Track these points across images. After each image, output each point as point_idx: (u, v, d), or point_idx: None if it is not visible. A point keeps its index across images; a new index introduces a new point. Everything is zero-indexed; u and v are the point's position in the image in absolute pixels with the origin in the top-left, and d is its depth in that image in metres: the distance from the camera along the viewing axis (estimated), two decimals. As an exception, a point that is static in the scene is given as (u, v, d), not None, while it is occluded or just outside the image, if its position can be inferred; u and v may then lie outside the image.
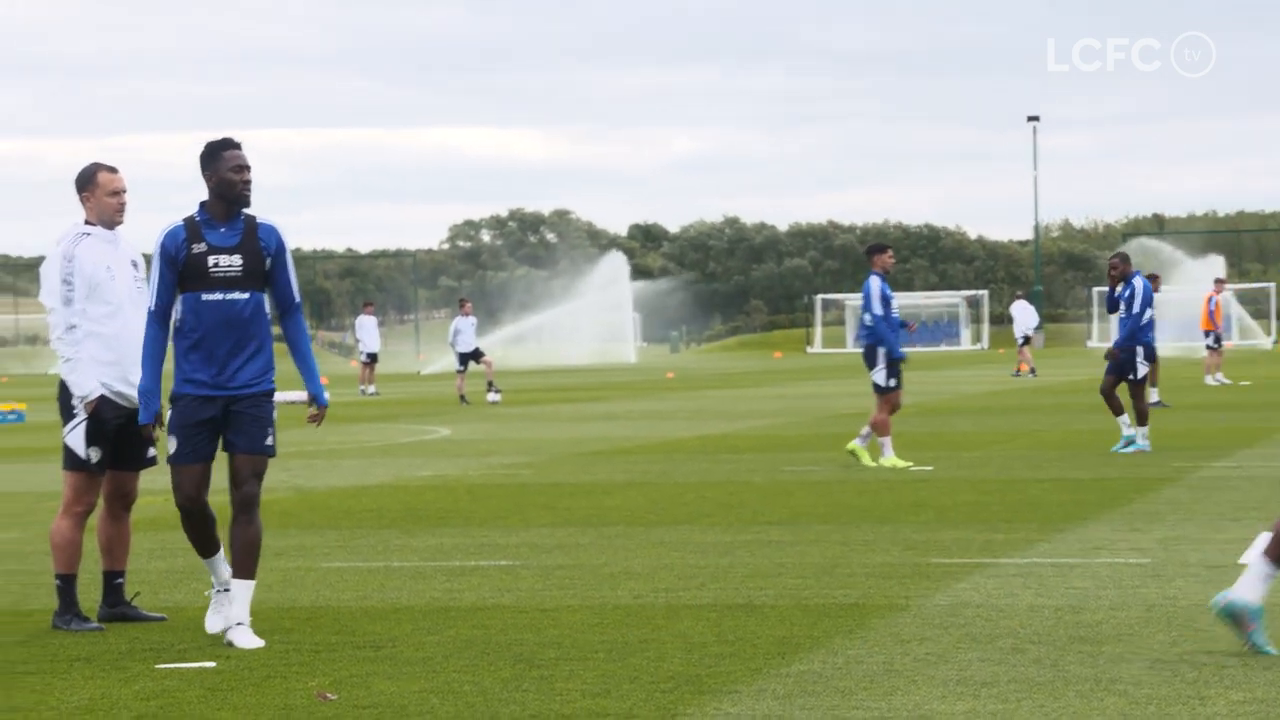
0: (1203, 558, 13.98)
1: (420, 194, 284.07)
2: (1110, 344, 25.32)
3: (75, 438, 11.60)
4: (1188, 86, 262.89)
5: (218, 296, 10.99)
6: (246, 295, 11.04)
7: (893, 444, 23.36)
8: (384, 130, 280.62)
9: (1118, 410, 25.13)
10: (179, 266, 10.94)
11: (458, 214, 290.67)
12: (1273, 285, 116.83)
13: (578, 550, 15.25)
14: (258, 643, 10.69)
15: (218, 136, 11.16)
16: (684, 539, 15.93)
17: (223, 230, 11.02)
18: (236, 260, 11.00)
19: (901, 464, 22.95)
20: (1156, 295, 38.46)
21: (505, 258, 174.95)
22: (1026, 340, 61.90)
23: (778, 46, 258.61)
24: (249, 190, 11.08)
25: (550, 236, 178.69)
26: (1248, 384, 48.60)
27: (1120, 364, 25.02)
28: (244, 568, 11.01)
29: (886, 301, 23.10)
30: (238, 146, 11.12)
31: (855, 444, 23.46)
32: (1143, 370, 24.98)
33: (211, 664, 10.22)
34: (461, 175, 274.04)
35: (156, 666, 10.20)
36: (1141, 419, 24.98)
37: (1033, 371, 60.13)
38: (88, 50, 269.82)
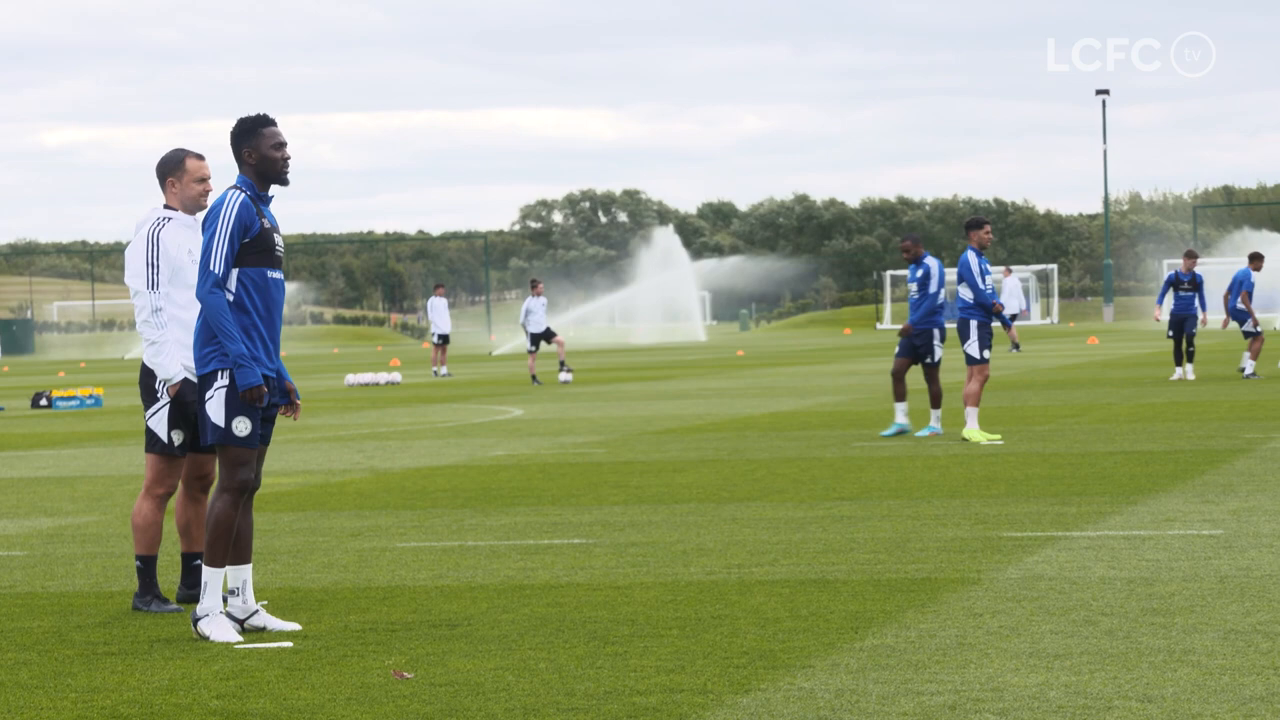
0: (1276, 529, 13.91)
1: (491, 175, 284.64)
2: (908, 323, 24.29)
3: (158, 421, 11.62)
4: (1258, 59, 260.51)
5: (279, 275, 10.86)
6: (281, 274, 10.90)
7: (977, 417, 23.39)
8: (455, 112, 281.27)
9: (900, 395, 24.25)
10: (248, 239, 10.65)
11: (529, 195, 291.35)
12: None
13: (650, 528, 15.27)
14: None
15: (252, 114, 10.85)
16: (756, 515, 15.93)
17: (267, 208, 10.85)
18: (280, 239, 10.91)
19: (981, 437, 22.89)
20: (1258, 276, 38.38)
21: (576, 238, 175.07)
22: (1014, 318, 62.54)
23: (844, 23, 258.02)
24: (289, 168, 10.87)
25: (621, 216, 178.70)
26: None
27: (914, 346, 24.11)
28: (247, 555, 10.87)
29: (981, 275, 23.24)
30: (274, 123, 10.87)
31: (969, 429, 23.26)
32: (939, 353, 24.06)
33: (289, 644, 10.27)
34: (532, 156, 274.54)
35: (235, 647, 10.25)
36: (935, 401, 24.16)
37: (1016, 346, 60.62)
38: (162, 37, 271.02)
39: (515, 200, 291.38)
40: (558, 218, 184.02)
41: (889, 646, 9.64)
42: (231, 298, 10.66)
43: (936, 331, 24.13)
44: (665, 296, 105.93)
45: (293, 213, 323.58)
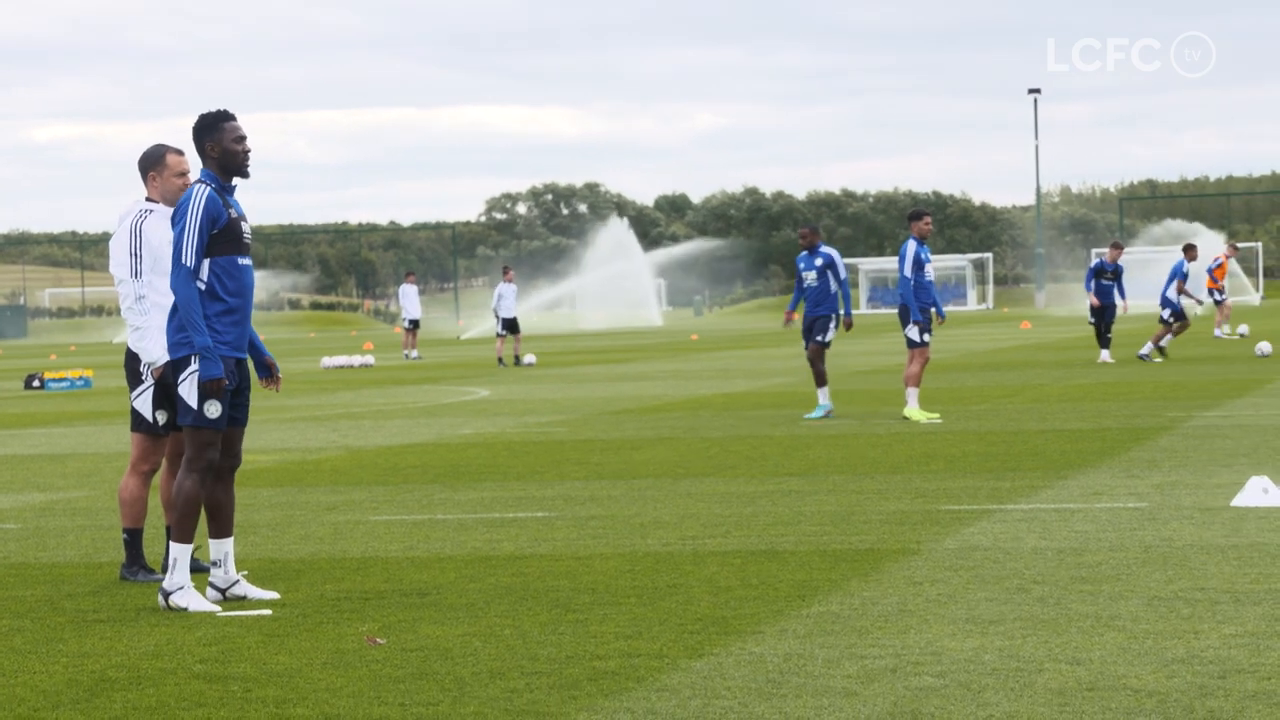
0: (1196, 501, 13.95)
1: (459, 169, 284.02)
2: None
3: (143, 402, 11.58)
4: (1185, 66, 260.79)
5: (248, 261, 10.76)
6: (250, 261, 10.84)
7: (918, 397, 23.43)
8: (425, 110, 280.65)
9: (821, 379, 24.00)
10: (217, 230, 10.55)
11: (494, 188, 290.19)
12: (1259, 245, 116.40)
13: (610, 502, 15.26)
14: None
15: (212, 109, 10.71)
16: (709, 490, 15.93)
17: (232, 199, 10.73)
18: (247, 228, 10.80)
19: (921, 416, 22.93)
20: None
21: (539, 228, 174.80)
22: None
23: (794, 27, 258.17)
24: (249, 160, 10.72)
25: (581, 208, 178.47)
26: (1245, 332, 48.54)
27: (810, 329, 23.87)
28: (228, 529, 10.83)
29: (920, 264, 23.17)
30: (234, 118, 10.73)
31: (909, 409, 23.25)
32: (831, 335, 23.81)
33: (268, 612, 10.25)
34: (497, 151, 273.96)
35: (217, 614, 10.23)
36: (821, 380, 23.97)
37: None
38: (149, 39, 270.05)
39: (482, 193, 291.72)
40: (522, 209, 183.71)
41: (834, 613, 9.65)
42: (203, 286, 10.57)
43: (834, 317, 23.89)
44: (620, 284, 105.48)
45: (270, 205, 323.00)
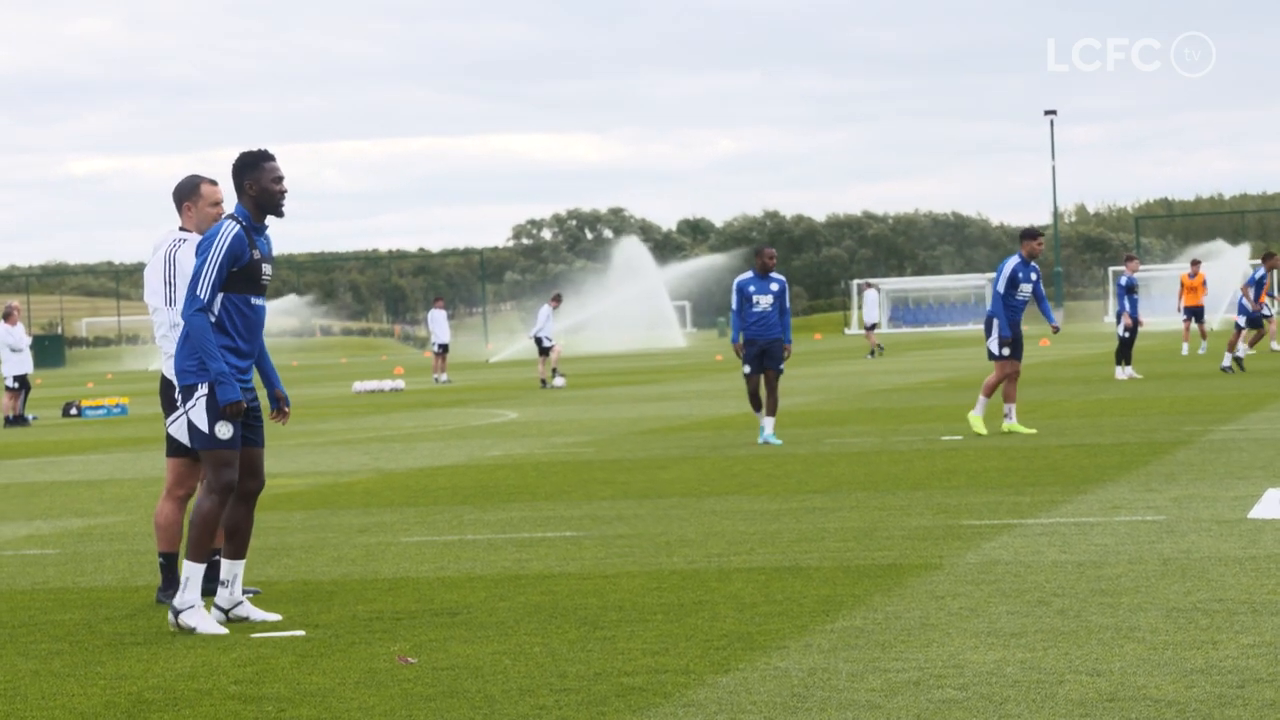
0: (1214, 514, 13.91)
1: (486, 196, 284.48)
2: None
3: (179, 427, 11.56)
4: (1191, 81, 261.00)
5: (261, 302, 10.83)
6: (264, 301, 10.92)
7: (985, 409, 23.40)
8: (452, 138, 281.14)
9: (759, 406, 23.28)
10: (236, 268, 10.62)
11: (521, 214, 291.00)
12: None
13: (636, 521, 15.25)
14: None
15: (254, 148, 10.82)
16: (734, 508, 15.91)
17: (261, 238, 10.80)
18: (270, 269, 10.86)
19: (981, 429, 22.86)
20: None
21: (565, 252, 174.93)
22: (874, 326, 64.04)
23: (811, 52, 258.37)
24: (285, 201, 10.79)
25: (606, 232, 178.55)
26: (1252, 352, 48.40)
27: (763, 355, 23.10)
28: (243, 551, 10.89)
29: (1014, 282, 23.15)
30: (274, 159, 10.81)
31: (1006, 423, 23.19)
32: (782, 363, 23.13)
33: (301, 632, 10.25)
34: (523, 178, 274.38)
35: (251, 636, 10.23)
36: (772, 409, 23.19)
37: (877, 350, 62.76)
38: (180, 73, 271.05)
39: (508, 219, 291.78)
40: (547, 234, 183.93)
41: (857, 628, 9.63)
42: (214, 319, 10.66)
43: (784, 345, 23.18)
44: (638, 305, 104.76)
45: (303, 233, 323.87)
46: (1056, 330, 24.79)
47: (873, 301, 65.93)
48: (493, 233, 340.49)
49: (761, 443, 23.09)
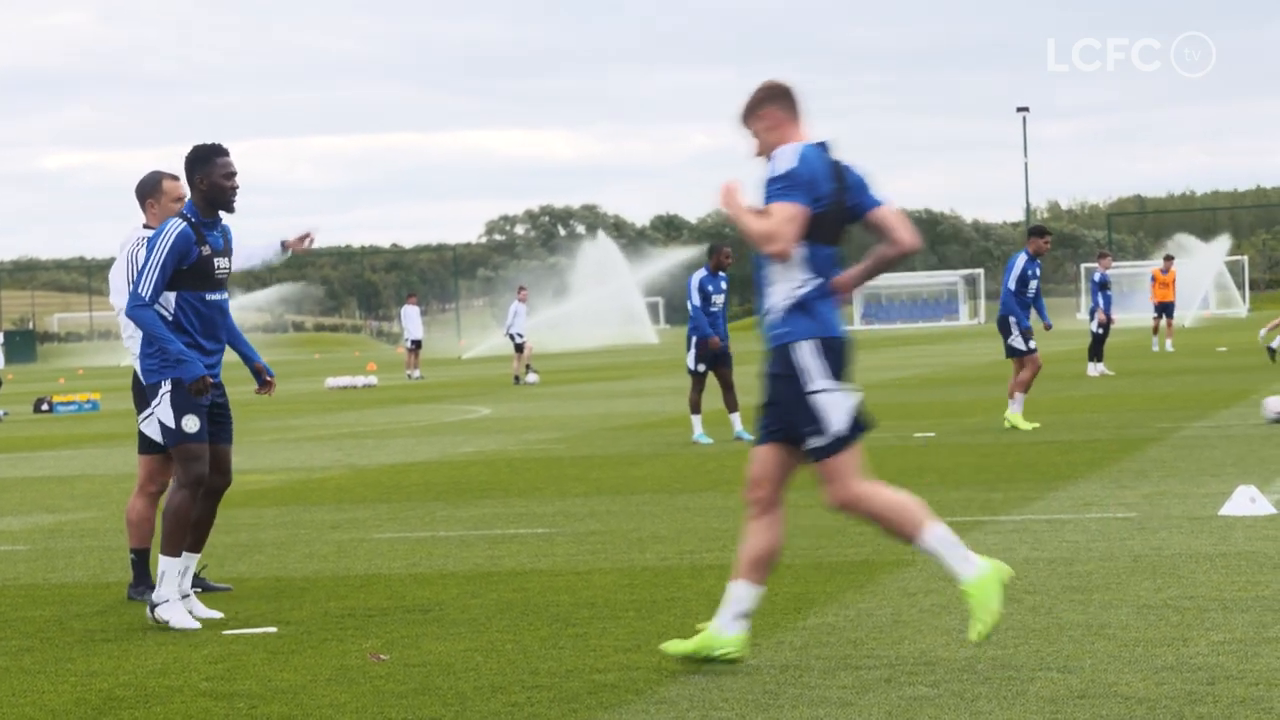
0: (1185, 510, 13.95)
1: (459, 192, 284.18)
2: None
3: (150, 425, 11.54)
4: (1162, 78, 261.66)
5: (218, 296, 10.81)
6: (228, 296, 10.92)
7: (1023, 404, 23.33)
8: (425, 134, 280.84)
9: (698, 408, 23.35)
10: (184, 266, 10.63)
11: (494, 210, 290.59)
12: (1245, 258, 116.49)
13: (609, 517, 15.25)
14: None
15: (207, 143, 10.82)
16: (706, 504, 15.92)
17: (213, 233, 10.77)
18: (226, 263, 10.83)
19: (1024, 424, 22.84)
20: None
21: (538, 249, 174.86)
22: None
23: (785, 48, 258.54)
24: (236, 197, 10.77)
25: (580, 229, 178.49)
26: (1224, 349, 48.50)
27: (719, 355, 23.23)
28: (200, 545, 10.90)
29: (1024, 280, 23.21)
30: (227, 154, 10.80)
31: (1011, 413, 23.10)
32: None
33: (273, 629, 10.24)
34: (496, 174, 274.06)
35: (223, 632, 10.21)
36: (734, 406, 23.34)
37: None
38: (155, 67, 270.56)
39: (481, 215, 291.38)
40: (520, 230, 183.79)
41: (830, 625, 9.64)
42: (169, 317, 10.68)
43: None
44: (609, 301, 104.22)
45: (276, 229, 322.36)
46: (1049, 328, 24.94)
47: None
48: (466, 229, 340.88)
49: (735, 439, 23.13)
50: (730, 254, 23.56)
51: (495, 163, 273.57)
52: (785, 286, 8.64)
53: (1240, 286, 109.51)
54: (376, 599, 11.25)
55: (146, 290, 10.59)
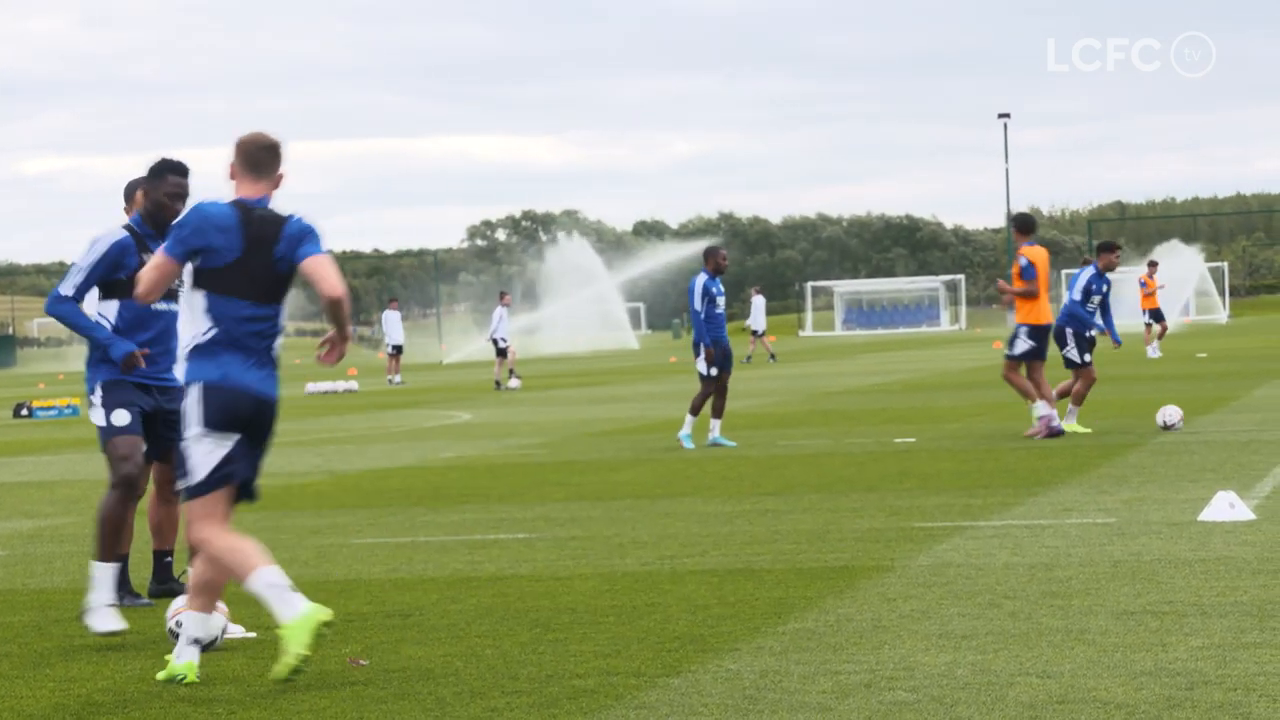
0: (1164, 516, 13.97)
1: (440, 198, 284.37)
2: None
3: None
4: (1142, 85, 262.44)
5: (166, 307, 10.85)
6: (176, 307, 10.81)
7: (1078, 414, 23.32)
8: (406, 140, 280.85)
9: (700, 410, 23.46)
10: (121, 275, 10.72)
11: (475, 215, 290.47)
12: (1225, 264, 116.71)
13: (589, 523, 15.25)
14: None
15: (172, 158, 10.85)
16: (687, 510, 15.92)
17: (159, 244, 10.51)
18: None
19: (1079, 428, 22.84)
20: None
21: (519, 254, 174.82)
22: (763, 332, 64.44)
23: (768, 56, 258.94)
24: (175, 220, 10.48)
25: (561, 235, 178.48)
26: (1204, 355, 48.56)
27: (727, 356, 23.48)
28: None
29: (1087, 293, 23.30)
30: (186, 174, 10.87)
31: (1067, 424, 22.97)
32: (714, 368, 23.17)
33: (253, 634, 10.22)
34: (478, 180, 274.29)
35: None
36: (720, 412, 23.43)
37: (773, 356, 63.60)
38: (136, 72, 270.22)
39: (463, 220, 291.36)
40: (502, 236, 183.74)
41: (809, 630, 9.65)
42: (109, 325, 10.82)
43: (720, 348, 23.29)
44: (591, 308, 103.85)
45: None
46: (1116, 345, 24.82)
47: (759, 308, 66.08)
48: (447, 234, 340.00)
49: (710, 444, 23.14)
50: (726, 255, 23.64)
51: (476, 168, 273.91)
52: (189, 333, 8.96)
53: (1221, 293, 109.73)
54: (356, 604, 11.24)
55: (68, 289, 10.79)
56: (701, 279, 23.26)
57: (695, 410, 23.50)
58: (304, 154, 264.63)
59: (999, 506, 15.13)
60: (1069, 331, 23.48)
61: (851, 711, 7.68)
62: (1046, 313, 22.83)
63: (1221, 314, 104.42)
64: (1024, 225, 23.31)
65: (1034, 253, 22.84)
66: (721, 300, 23.32)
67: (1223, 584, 10.65)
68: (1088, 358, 23.37)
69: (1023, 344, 22.72)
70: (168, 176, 10.84)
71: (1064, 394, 23.27)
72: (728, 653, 9.09)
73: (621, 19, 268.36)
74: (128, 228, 10.87)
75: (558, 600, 11.05)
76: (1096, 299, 23.59)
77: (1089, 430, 22.87)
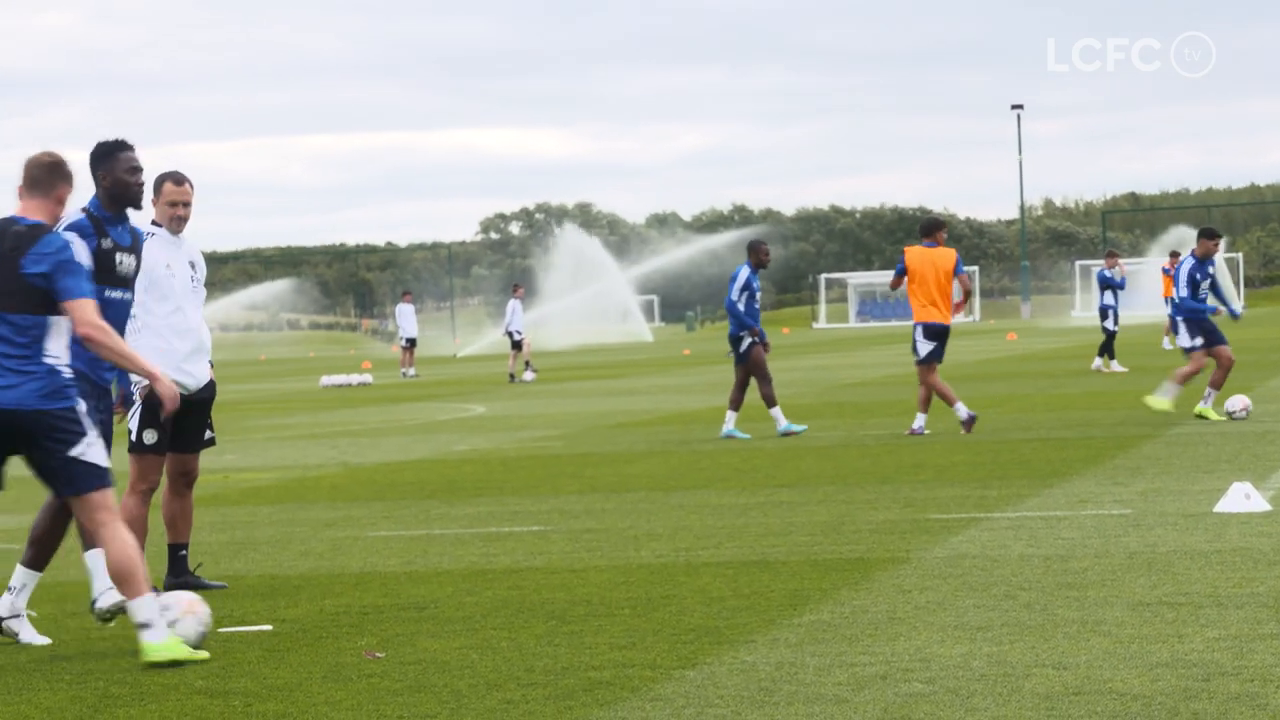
0: (1180, 508, 13.96)
1: (453, 191, 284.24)
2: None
3: (136, 422, 11.55)
4: (1154, 77, 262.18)
5: (119, 294, 10.49)
6: (133, 295, 10.66)
7: (1175, 395, 23.61)
8: (418, 133, 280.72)
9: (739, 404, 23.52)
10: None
11: (488, 208, 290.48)
12: (1239, 255, 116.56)
13: (604, 515, 15.25)
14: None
15: (112, 138, 10.64)
16: (702, 502, 15.92)
17: (119, 229, 10.53)
18: (131, 260, 10.55)
19: (1166, 406, 23.24)
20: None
21: (532, 247, 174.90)
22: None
23: (777, 47, 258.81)
24: (142, 192, 10.57)
25: (570, 226, 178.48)
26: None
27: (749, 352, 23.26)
28: (42, 564, 10.70)
29: (1194, 282, 23.36)
30: (131, 149, 10.62)
31: (1200, 406, 23.09)
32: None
33: (269, 627, 10.24)
34: (491, 173, 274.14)
35: (219, 630, 10.21)
36: (737, 405, 23.47)
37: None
38: (144, 67, 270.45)
39: (475, 213, 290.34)
40: (515, 229, 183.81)
41: (825, 622, 9.65)
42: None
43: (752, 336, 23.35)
44: (596, 299, 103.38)
45: (269, 228, 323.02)
46: (1236, 318, 25.24)
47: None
48: (460, 227, 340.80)
49: (724, 436, 23.18)
50: (769, 251, 23.81)
51: (488, 161, 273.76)
52: None
53: (1235, 284, 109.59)
54: (372, 596, 11.26)
55: None
56: (745, 272, 23.36)
57: (771, 401, 23.40)
58: (314, 148, 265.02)
59: (1014, 498, 15.12)
60: (1178, 320, 23.76)
61: (867, 703, 7.68)
62: (941, 313, 22.77)
63: (1237, 305, 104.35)
64: (923, 228, 23.28)
65: (912, 252, 22.78)
66: (760, 295, 23.49)
67: (1239, 575, 10.64)
68: (1199, 340, 23.36)
69: (924, 346, 22.68)
70: (118, 154, 10.53)
71: (1216, 385, 23.37)
72: (743, 645, 9.09)
73: (630, 11, 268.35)
74: (85, 210, 10.50)
75: (573, 593, 11.06)
76: (1205, 283, 23.70)
77: (1221, 418, 22.82)
